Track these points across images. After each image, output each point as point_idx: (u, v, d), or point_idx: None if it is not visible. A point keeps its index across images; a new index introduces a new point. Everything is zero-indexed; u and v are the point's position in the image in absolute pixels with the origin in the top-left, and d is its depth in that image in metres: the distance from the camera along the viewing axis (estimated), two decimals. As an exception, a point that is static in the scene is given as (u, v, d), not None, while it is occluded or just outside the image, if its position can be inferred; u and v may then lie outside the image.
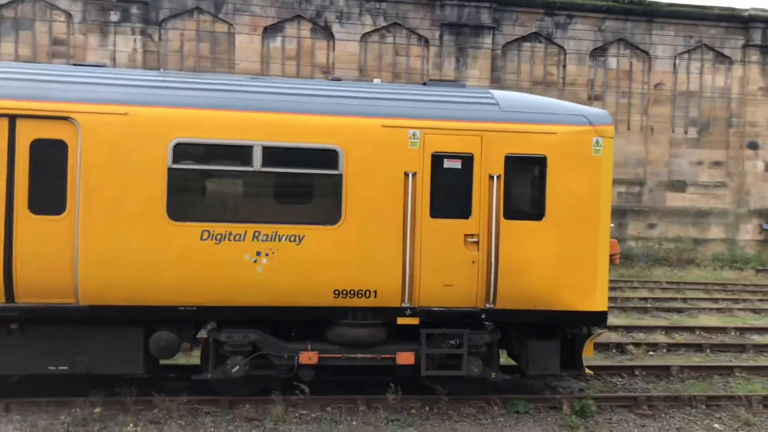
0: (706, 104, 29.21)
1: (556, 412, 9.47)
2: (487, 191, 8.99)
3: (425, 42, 27.72)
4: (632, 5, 28.31)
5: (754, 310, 18.56)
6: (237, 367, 8.88)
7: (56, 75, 8.68)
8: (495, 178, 8.98)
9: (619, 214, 28.33)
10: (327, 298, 8.77)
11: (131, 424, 8.42)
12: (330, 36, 27.23)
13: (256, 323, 8.99)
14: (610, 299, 19.23)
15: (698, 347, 13.72)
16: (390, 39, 27.63)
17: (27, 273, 8.23)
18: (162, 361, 10.16)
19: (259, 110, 8.66)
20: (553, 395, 9.89)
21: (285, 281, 8.63)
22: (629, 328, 15.36)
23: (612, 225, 9.44)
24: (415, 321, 9.03)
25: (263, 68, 26.76)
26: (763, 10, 28.91)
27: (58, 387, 9.39)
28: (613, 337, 14.59)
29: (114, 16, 25.86)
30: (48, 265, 8.27)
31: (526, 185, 9.25)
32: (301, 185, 8.98)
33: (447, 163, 8.99)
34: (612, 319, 16.56)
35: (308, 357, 8.95)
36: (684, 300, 19.89)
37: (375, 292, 8.84)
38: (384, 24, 27.43)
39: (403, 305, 8.94)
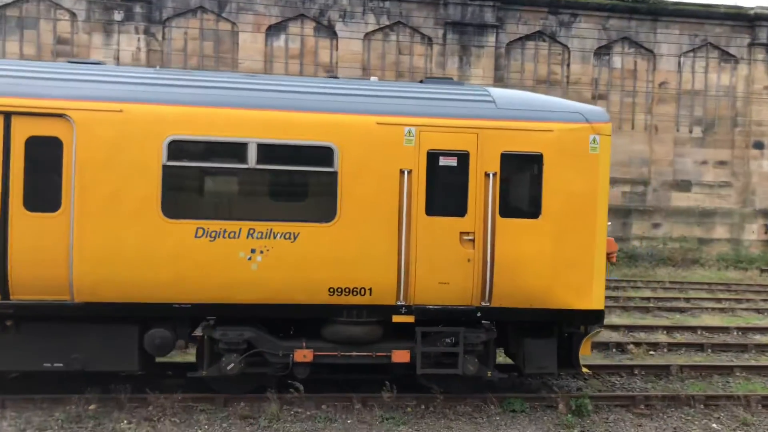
0: (711, 103, 29.06)
1: (552, 411, 9.42)
2: (482, 189, 8.95)
3: (428, 41, 27.68)
4: (637, 4, 28.20)
5: (758, 310, 18.45)
6: (232, 364, 8.86)
7: (51, 72, 8.69)
8: (491, 175, 8.94)
9: (623, 213, 28.26)
10: (322, 295, 8.75)
11: (125, 421, 8.43)
12: (333, 35, 27.22)
13: (251, 321, 8.97)
14: (612, 299, 19.34)
15: (699, 347, 13.64)
16: (393, 38, 27.60)
17: (22, 270, 8.24)
18: (158, 359, 10.19)
19: (253, 107, 8.65)
20: (550, 394, 9.84)
21: (280, 279, 8.61)
22: (630, 328, 15.28)
23: (609, 223, 9.39)
24: (410, 319, 9.00)
25: (266, 67, 26.78)
26: (769, 9, 28.79)
27: (55, 384, 9.40)
28: (614, 336, 14.54)
29: (118, 15, 25.93)
30: (43, 262, 8.27)
31: (522, 183, 9.21)
32: (296, 183, 8.96)
33: (443, 161, 8.96)
34: (613, 319, 16.57)
35: (303, 355, 8.93)
36: (687, 300, 19.80)
37: (370, 289, 8.82)
38: (387, 23, 27.40)
39: (399, 303, 8.92)
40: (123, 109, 8.41)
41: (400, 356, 9.09)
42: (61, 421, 8.37)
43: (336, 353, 9.03)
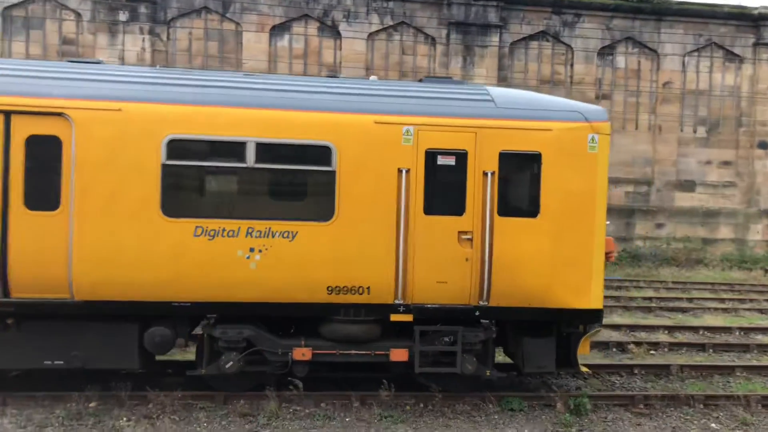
0: (715, 103, 28.97)
1: (550, 410, 9.43)
2: (481, 188, 8.96)
3: (432, 41, 27.68)
4: (641, 3, 28.12)
5: (761, 310, 18.39)
6: (231, 362, 8.90)
7: (51, 71, 8.74)
8: (489, 174, 8.95)
9: (627, 213, 28.21)
10: (320, 294, 8.78)
11: (125, 418, 8.48)
12: (337, 35, 27.24)
13: (250, 319, 9.01)
14: (614, 299, 19.32)
15: (701, 347, 13.62)
16: (397, 38, 27.61)
17: (22, 268, 8.29)
18: (159, 357, 10.24)
19: (252, 107, 8.68)
20: (548, 393, 9.85)
21: (278, 277, 8.64)
22: (632, 327, 15.26)
23: (608, 222, 9.40)
24: (408, 318, 9.02)
25: (270, 67, 26.83)
26: (774, 8, 28.67)
27: (55, 381, 9.45)
28: (615, 336, 14.54)
29: (123, 16, 26.01)
30: (43, 261, 8.33)
31: (520, 182, 9.22)
32: (294, 182, 8.98)
33: (441, 160, 8.97)
34: (615, 318, 16.56)
35: (302, 353, 8.97)
36: (689, 300, 19.74)
37: (368, 288, 8.85)
38: (391, 23, 27.41)
39: (397, 302, 8.94)
40: (122, 108, 8.46)
41: (399, 355, 9.12)
42: (62, 418, 8.43)
43: (335, 351, 9.06)
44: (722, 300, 19.99)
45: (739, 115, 29.02)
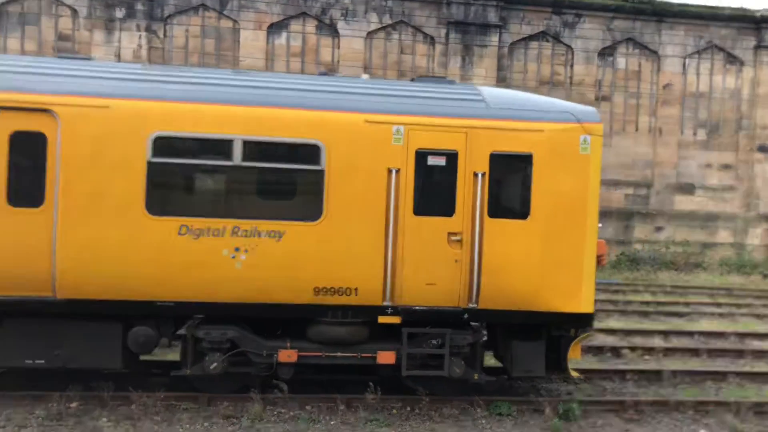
0: (715, 106, 28.83)
1: (539, 415, 9.28)
2: (471, 189, 8.84)
3: (431, 40, 27.55)
4: (642, 5, 27.98)
5: (757, 316, 18.27)
6: (215, 363, 8.78)
7: (37, 67, 8.64)
8: (480, 175, 8.83)
9: (626, 216, 28.08)
10: (307, 295, 8.66)
11: (104, 419, 8.35)
12: (335, 33, 27.12)
13: (236, 320, 8.89)
14: (612, 302, 19.19)
15: (695, 352, 13.49)
16: (395, 37, 27.49)
17: (4, 265, 8.18)
18: (146, 357, 10.12)
19: (239, 104, 8.57)
20: (537, 398, 9.71)
21: (264, 278, 8.53)
22: (627, 332, 15.12)
23: (599, 225, 9.27)
24: (396, 320, 8.90)
25: (268, 65, 26.72)
26: (776, 11, 28.53)
27: (38, 381, 9.31)
28: (610, 340, 14.39)
29: (119, 12, 25.90)
30: (25, 258, 8.21)
31: (511, 183, 9.11)
32: (281, 180, 8.87)
33: (431, 160, 8.86)
34: (611, 323, 16.44)
35: (287, 355, 8.84)
36: (686, 304, 19.60)
37: (356, 290, 8.72)
38: (390, 22, 27.28)
39: (385, 304, 8.82)
40: (108, 104, 8.35)
41: (386, 357, 9.00)
42: (41, 418, 8.30)
43: (321, 354, 8.94)
44: (719, 305, 19.83)
45: (739, 118, 28.88)
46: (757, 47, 28.69)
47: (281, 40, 26.98)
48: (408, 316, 8.90)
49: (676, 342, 14.53)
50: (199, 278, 8.44)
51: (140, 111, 8.37)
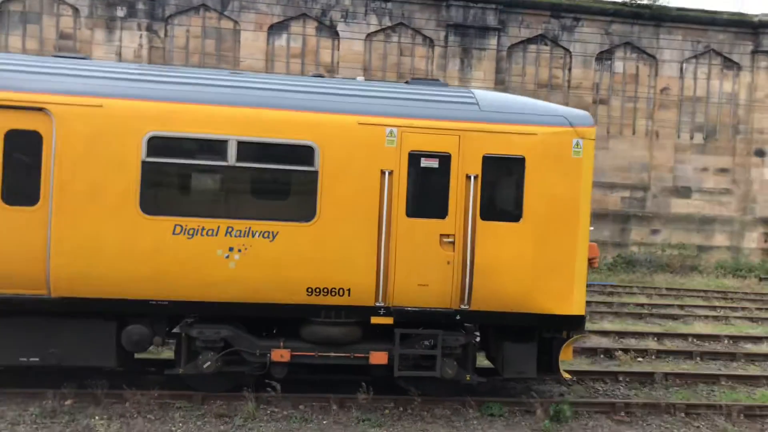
0: (712, 110, 28.90)
1: (530, 416, 9.35)
2: (464, 191, 8.90)
3: (430, 42, 27.64)
4: (640, 9, 28.06)
5: (752, 319, 18.32)
6: (209, 362, 8.84)
7: (32, 66, 8.68)
8: (472, 178, 8.89)
9: (622, 219, 28.18)
10: (300, 295, 8.72)
11: (96, 417, 8.41)
12: (335, 35, 27.21)
13: (230, 319, 8.95)
14: (607, 304, 19.26)
15: (688, 355, 13.55)
16: (395, 39, 27.57)
17: (-1, 263, 8.24)
18: (141, 355, 10.19)
19: (234, 105, 8.63)
20: (529, 399, 9.76)
21: (257, 278, 8.58)
22: (621, 334, 15.21)
23: (591, 228, 9.33)
24: (389, 320, 8.96)
25: (268, 66, 26.80)
26: (774, 16, 28.59)
27: (33, 378, 9.38)
28: (603, 342, 14.47)
29: (120, 12, 25.99)
30: (20, 256, 8.26)
31: (503, 186, 9.17)
32: (275, 181, 8.92)
33: (424, 162, 8.92)
34: (605, 325, 16.51)
35: (280, 354, 8.90)
36: (681, 307, 19.69)
37: (349, 290, 8.78)
38: (389, 24, 27.38)
39: (377, 304, 8.87)
40: (103, 104, 8.40)
41: (378, 358, 9.05)
42: (35, 416, 8.36)
43: (313, 353, 8.99)
44: (714, 308, 19.91)
45: (736, 122, 28.96)
46: (755, 52, 28.78)
47: (281, 41, 27.06)
48: (400, 317, 8.96)
49: (669, 344, 14.59)
50: (193, 278, 8.49)
51: (135, 110, 8.43)
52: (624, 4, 28.08)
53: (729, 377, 11.78)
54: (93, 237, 8.34)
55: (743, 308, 20.14)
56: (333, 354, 9.01)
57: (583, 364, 12.43)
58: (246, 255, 8.54)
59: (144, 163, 8.42)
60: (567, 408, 9.35)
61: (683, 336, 15.32)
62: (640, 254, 27.39)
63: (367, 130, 8.79)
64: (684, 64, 28.69)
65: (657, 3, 28.05)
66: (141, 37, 26.20)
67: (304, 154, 8.70)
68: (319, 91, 8.98)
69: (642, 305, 19.65)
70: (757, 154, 28.74)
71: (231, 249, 8.52)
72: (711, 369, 12.73)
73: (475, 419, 9.20)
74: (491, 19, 27.54)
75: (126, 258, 8.39)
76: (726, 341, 15.07)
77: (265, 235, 8.58)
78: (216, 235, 8.50)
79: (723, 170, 28.93)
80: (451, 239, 8.90)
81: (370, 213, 8.78)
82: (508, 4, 27.53)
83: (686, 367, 12.81)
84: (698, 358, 13.40)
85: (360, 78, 10.40)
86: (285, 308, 8.79)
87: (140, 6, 26.13)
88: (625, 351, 13.27)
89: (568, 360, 9.91)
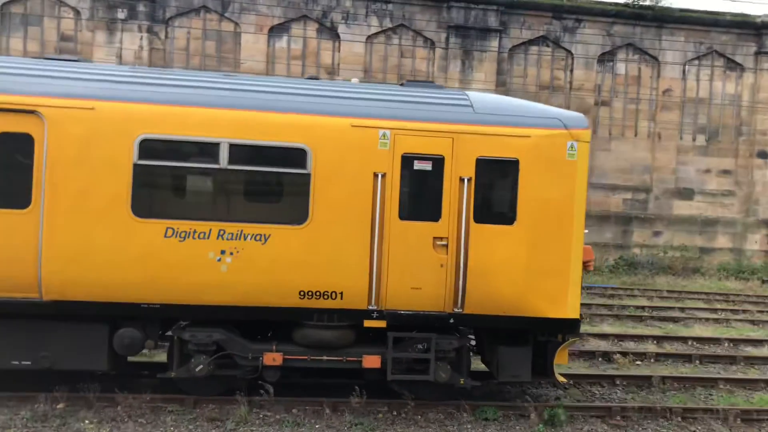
0: (715, 112, 28.78)
1: (525, 421, 9.29)
2: (457, 194, 8.85)
3: (431, 44, 27.58)
4: (642, 10, 27.96)
5: (753, 322, 18.21)
6: (201, 366, 8.80)
7: (24, 68, 8.66)
8: (466, 180, 8.84)
9: (624, 220, 28.07)
10: (292, 298, 8.68)
11: (86, 421, 8.37)
12: (336, 36, 27.17)
13: (222, 322, 8.91)
14: (607, 307, 19.17)
15: (687, 358, 13.46)
16: (396, 41, 27.52)
17: (-10, 266, 8.22)
18: (135, 358, 10.17)
19: (226, 107, 8.59)
20: (523, 403, 9.69)
21: (249, 281, 8.54)
22: (620, 337, 15.11)
23: (586, 231, 9.26)
24: (382, 324, 8.91)
25: (268, 68, 26.77)
26: (777, 17, 28.45)
27: (26, 381, 9.34)
28: (602, 345, 14.38)
29: (121, 14, 25.99)
30: (12, 259, 8.25)
31: (497, 189, 9.12)
32: (268, 184, 8.90)
33: (417, 165, 8.87)
34: (605, 327, 16.41)
35: (272, 358, 8.86)
36: (682, 309, 19.57)
37: (341, 293, 8.73)
38: (390, 25, 27.32)
39: (370, 308, 8.83)
40: (95, 106, 8.38)
41: (371, 361, 9.00)
42: (26, 419, 8.33)
43: (306, 357, 8.95)
44: (715, 310, 19.82)
45: (739, 124, 28.83)
46: (758, 53, 28.64)
47: (282, 43, 27.04)
48: (393, 321, 8.90)
49: (668, 347, 14.51)
50: (185, 281, 8.46)
51: (127, 113, 8.40)
52: (626, 5, 27.99)
53: (727, 381, 11.70)
54: (84, 240, 8.31)
55: (744, 311, 20.03)
56: (326, 357, 8.97)
57: (581, 368, 12.36)
58: (238, 258, 8.50)
59: (136, 165, 8.39)
60: (562, 412, 9.28)
61: (683, 339, 15.23)
62: (641, 256, 27.28)
63: (360, 133, 8.75)
64: (686, 66, 28.56)
65: (659, 4, 27.93)
66: (141, 39, 26.20)
67: (296, 156, 8.66)
68: (312, 93, 8.93)
69: (642, 308, 19.55)
70: (759, 155, 28.60)
71: (223, 252, 8.49)
72: (710, 372, 12.63)
73: (469, 423, 9.14)
74: (492, 21, 27.47)
75: (117, 261, 8.36)
76: (726, 344, 14.98)
77: (257, 238, 8.54)
78: (208, 238, 8.46)
79: (725, 172, 28.80)
80: (444, 242, 8.85)
81: (362, 216, 8.74)
82: (509, 5, 27.46)
83: (685, 370, 12.72)
84: (697, 362, 13.32)
85: (354, 80, 10.36)
86: (277, 311, 8.75)
87: (141, 8, 26.14)
88: (624, 354, 13.19)
89: (563, 364, 9.86)
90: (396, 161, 8.80)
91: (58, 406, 8.71)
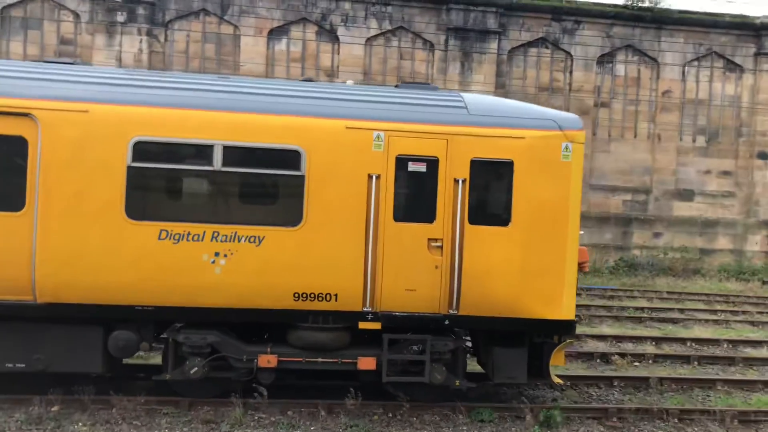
0: (715, 113, 28.76)
1: (521, 422, 9.26)
2: (452, 195, 8.84)
3: (430, 46, 27.58)
4: (641, 11, 27.95)
5: (752, 323, 18.18)
6: (195, 368, 8.80)
7: (18, 71, 8.67)
8: (460, 182, 8.83)
9: (625, 222, 28.05)
10: (286, 300, 8.66)
11: (80, 423, 8.36)
12: (335, 39, 27.19)
13: (217, 325, 8.90)
14: (606, 308, 19.13)
15: (686, 359, 13.43)
16: (395, 43, 27.54)
17: (-16, 269, 8.21)
18: (130, 361, 10.17)
19: (220, 109, 8.58)
20: (519, 404, 9.66)
21: (243, 283, 8.53)
22: (619, 338, 15.06)
23: (581, 232, 9.24)
24: (377, 326, 8.89)
25: (268, 70, 26.80)
26: (776, 18, 28.43)
27: (21, 384, 9.34)
28: (600, 346, 14.35)
29: (121, 17, 26.04)
30: (6, 262, 8.24)
31: (492, 190, 9.11)
32: (262, 186, 8.90)
33: (412, 166, 8.86)
34: (604, 329, 16.37)
35: (267, 360, 8.84)
36: (682, 311, 19.53)
37: (336, 295, 8.72)
38: (389, 28, 27.35)
39: (365, 309, 8.81)
40: (89, 109, 8.38)
41: (366, 363, 8.99)
42: (21, 422, 8.33)
43: (301, 359, 8.93)
44: (715, 311, 19.77)
45: (738, 125, 28.80)
46: (757, 54, 28.63)
47: (281, 45, 27.07)
48: (388, 322, 8.89)
49: (667, 348, 14.47)
50: (179, 283, 8.45)
51: (121, 116, 8.40)
52: (625, 6, 27.99)
53: (725, 382, 11.67)
54: (78, 242, 8.31)
55: (744, 312, 19.98)
56: (321, 359, 8.96)
57: (579, 369, 12.34)
58: (232, 260, 8.49)
59: (130, 168, 8.39)
60: (557, 413, 9.25)
61: (682, 340, 15.18)
62: (642, 257, 27.26)
63: (355, 135, 8.74)
64: (686, 67, 28.55)
65: (658, 5, 27.92)
66: (141, 41, 26.24)
67: (290, 158, 8.65)
68: (306, 95, 8.93)
69: (642, 309, 19.50)
70: (759, 156, 28.57)
71: (217, 254, 8.48)
72: (708, 374, 12.60)
73: (464, 425, 9.12)
74: (492, 23, 27.48)
75: (111, 264, 8.35)
76: (725, 345, 14.95)
77: (251, 240, 8.53)
78: (202, 240, 8.45)
79: (725, 173, 28.76)
80: (439, 244, 8.83)
81: (357, 217, 8.73)
82: (508, 7, 27.48)
83: (683, 371, 12.69)
84: (696, 363, 13.29)
85: (350, 82, 10.37)
86: (271, 314, 8.73)
87: (140, 11, 26.19)
88: (622, 355, 13.15)
89: (560, 365, 9.83)
90: (390, 163, 8.79)
91: (52, 409, 8.70)
